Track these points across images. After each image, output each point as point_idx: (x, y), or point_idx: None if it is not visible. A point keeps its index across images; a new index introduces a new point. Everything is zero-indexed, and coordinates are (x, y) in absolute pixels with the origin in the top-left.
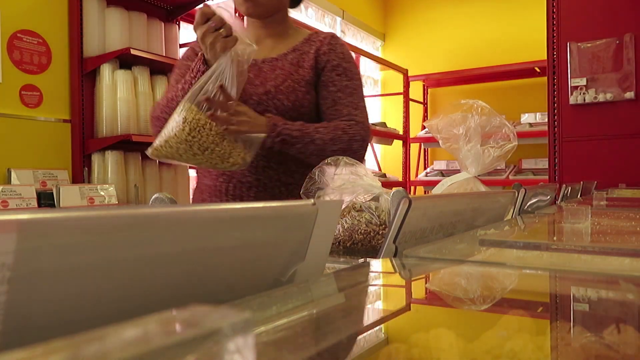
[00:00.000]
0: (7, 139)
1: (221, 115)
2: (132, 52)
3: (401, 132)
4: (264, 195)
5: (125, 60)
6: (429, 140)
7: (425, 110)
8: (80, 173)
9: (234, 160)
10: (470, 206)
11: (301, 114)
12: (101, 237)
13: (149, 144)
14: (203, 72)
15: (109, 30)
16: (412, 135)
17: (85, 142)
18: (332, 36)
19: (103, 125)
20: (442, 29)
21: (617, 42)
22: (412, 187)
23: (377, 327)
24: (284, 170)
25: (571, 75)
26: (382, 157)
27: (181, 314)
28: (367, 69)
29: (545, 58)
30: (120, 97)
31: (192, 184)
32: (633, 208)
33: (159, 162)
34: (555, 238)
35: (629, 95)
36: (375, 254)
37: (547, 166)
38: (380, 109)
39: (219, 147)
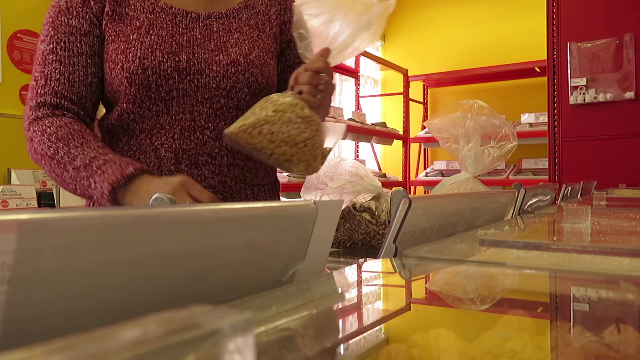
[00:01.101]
0: (7, 139)
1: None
2: None
3: (401, 132)
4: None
5: None
6: (429, 140)
7: (425, 110)
8: None
9: (315, 165)
10: (470, 206)
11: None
12: (101, 237)
13: None
14: None
15: None
16: (412, 135)
17: None
18: None
19: None
20: (442, 29)
21: (617, 42)
22: (412, 187)
23: (377, 327)
24: (249, 167)
25: (571, 75)
26: (382, 157)
27: (181, 314)
28: (367, 69)
29: (545, 58)
30: None
31: None
32: (633, 208)
33: None
34: (555, 238)
35: (629, 95)
36: (375, 254)
37: (547, 166)
38: (380, 109)
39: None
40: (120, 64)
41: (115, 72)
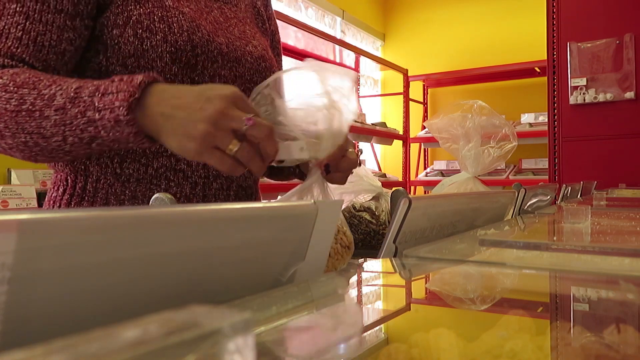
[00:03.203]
0: None
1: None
2: None
3: (401, 132)
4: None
5: None
6: (429, 140)
7: (425, 110)
8: None
9: None
10: (470, 206)
11: None
12: (101, 237)
13: None
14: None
15: None
16: (412, 135)
17: None
18: None
19: None
20: (442, 29)
21: (617, 42)
22: (412, 187)
23: (377, 327)
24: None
25: (571, 75)
26: (382, 157)
27: (181, 314)
28: (367, 69)
29: (545, 58)
30: None
31: None
32: (633, 208)
33: None
34: (555, 238)
35: (629, 95)
36: (375, 254)
37: (547, 166)
38: (380, 109)
39: None
40: (161, 34)
41: (151, 43)
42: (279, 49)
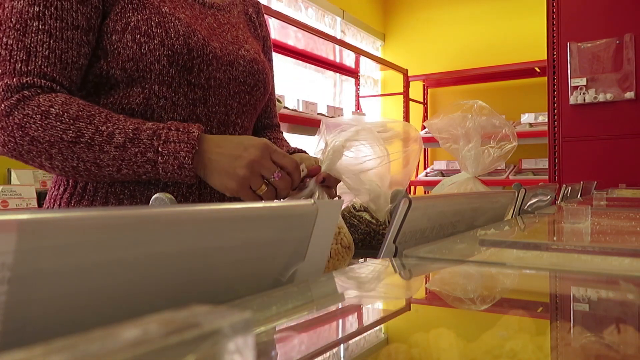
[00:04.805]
0: None
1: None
2: None
3: None
4: None
5: None
6: (429, 140)
7: (425, 110)
8: None
9: None
10: (470, 206)
11: None
12: (101, 237)
13: None
14: None
15: None
16: None
17: None
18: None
19: None
20: (442, 29)
21: (617, 42)
22: (412, 187)
23: (377, 327)
24: None
25: (571, 75)
26: None
27: (181, 314)
28: (367, 69)
29: (545, 58)
30: None
31: None
32: (633, 208)
33: None
34: (555, 238)
35: (629, 95)
36: (375, 254)
37: (547, 166)
38: (380, 109)
39: None
40: (158, 38)
41: (149, 47)
42: (270, 54)
